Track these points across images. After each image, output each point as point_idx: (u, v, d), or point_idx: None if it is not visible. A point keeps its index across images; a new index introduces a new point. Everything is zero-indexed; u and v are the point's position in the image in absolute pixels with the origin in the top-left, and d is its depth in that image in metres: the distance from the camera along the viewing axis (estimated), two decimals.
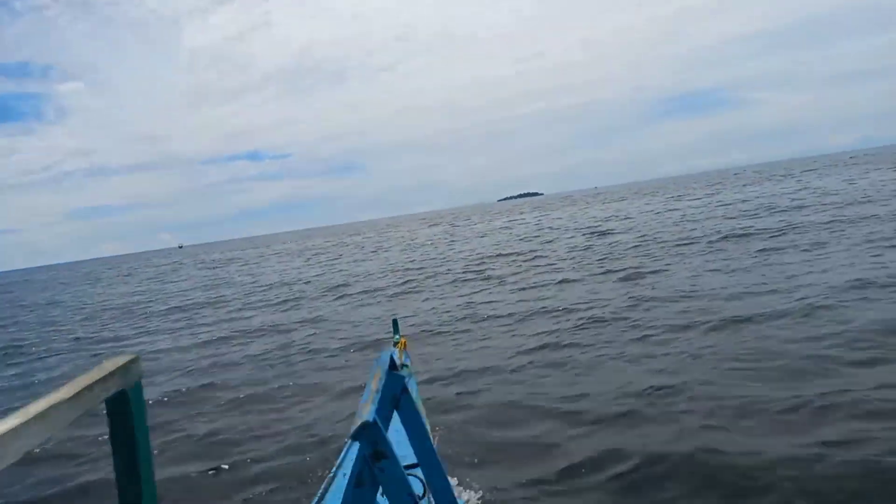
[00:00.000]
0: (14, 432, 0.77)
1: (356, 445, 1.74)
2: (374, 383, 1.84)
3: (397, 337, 3.43)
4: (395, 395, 2.04)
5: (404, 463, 1.71)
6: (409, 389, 2.20)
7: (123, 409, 1.11)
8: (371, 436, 1.55)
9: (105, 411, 1.10)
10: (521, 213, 56.00)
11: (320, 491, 2.22)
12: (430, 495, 2.14)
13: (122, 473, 1.13)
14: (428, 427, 2.27)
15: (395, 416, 2.23)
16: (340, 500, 1.78)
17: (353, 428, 1.53)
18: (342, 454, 2.42)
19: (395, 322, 3.73)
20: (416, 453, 2.17)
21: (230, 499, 4.13)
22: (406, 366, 2.94)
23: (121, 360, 1.09)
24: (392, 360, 2.10)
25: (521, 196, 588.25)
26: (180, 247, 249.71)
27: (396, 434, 2.28)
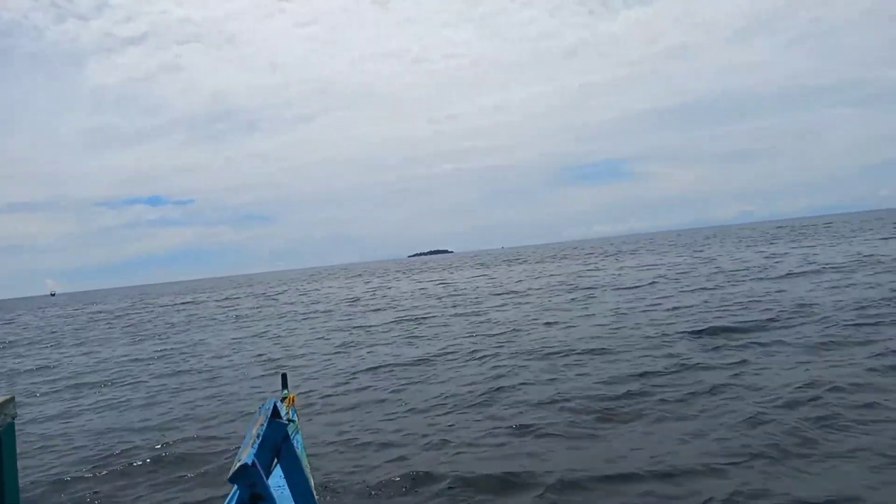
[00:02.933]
0: None
1: (236, 491, 1.71)
2: (255, 428, 1.85)
3: (285, 392, 3.33)
4: (276, 443, 2.01)
5: None
6: (295, 445, 2.21)
7: None
8: (248, 478, 1.52)
9: None
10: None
11: None
12: None
13: None
14: (312, 483, 2.26)
15: (279, 473, 2.25)
16: None
17: (232, 470, 1.50)
18: (226, 500, 2.37)
19: (283, 377, 3.63)
20: None
21: None
22: (293, 421, 2.90)
23: None
24: (276, 407, 2.11)
25: (431, 253, 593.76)
26: (52, 294, 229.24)
27: (279, 490, 2.28)
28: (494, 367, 7.80)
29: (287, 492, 2.19)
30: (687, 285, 15.81)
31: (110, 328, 22.79)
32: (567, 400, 5.89)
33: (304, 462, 2.36)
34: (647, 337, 8.80)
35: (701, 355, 7.33)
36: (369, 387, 7.49)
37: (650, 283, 17.44)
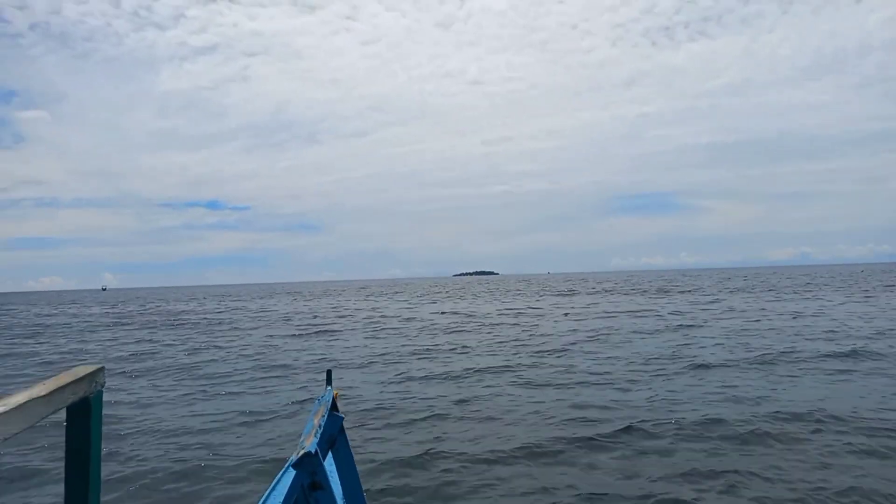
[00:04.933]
0: None
1: (290, 474, 1.85)
2: (317, 419, 1.94)
3: (330, 388, 3.17)
4: (332, 435, 2.17)
5: None
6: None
7: (84, 416, 1.20)
8: (311, 466, 1.67)
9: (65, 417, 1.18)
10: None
11: None
12: None
13: (72, 480, 1.20)
14: (358, 476, 2.39)
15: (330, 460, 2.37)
16: None
17: (295, 457, 1.65)
18: (274, 482, 2.30)
19: (328, 373, 3.49)
20: (345, 499, 2.25)
21: None
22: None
23: (89, 368, 1.20)
24: (334, 400, 2.30)
25: (476, 273, 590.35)
26: (104, 289, 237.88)
27: (331, 478, 2.27)
28: None
29: (338, 481, 2.27)
30: None
31: None
32: None
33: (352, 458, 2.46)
34: None
35: None
36: None
37: None
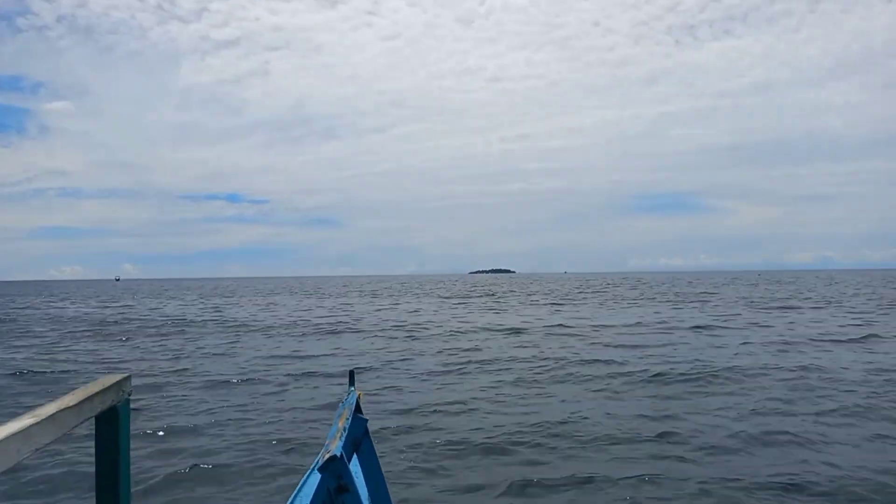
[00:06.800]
0: (26, 432, 0.83)
1: (316, 477, 1.83)
2: (342, 422, 1.94)
3: (353, 390, 3.19)
4: (356, 438, 2.18)
5: None
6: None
7: (113, 425, 1.19)
8: (337, 469, 1.63)
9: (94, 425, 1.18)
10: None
11: None
12: None
13: (102, 487, 1.19)
14: (384, 478, 2.40)
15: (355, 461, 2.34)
16: None
17: (320, 461, 1.62)
18: (300, 485, 2.39)
19: (351, 374, 3.54)
20: (372, 501, 2.23)
21: None
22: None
23: (116, 377, 1.21)
24: (358, 403, 2.29)
25: (493, 271, 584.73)
26: (117, 279, 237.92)
27: (357, 481, 2.26)
28: None
29: (363, 483, 2.23)
30: None
31: None
32: None
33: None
34: None
35: None
36: None
37: None
